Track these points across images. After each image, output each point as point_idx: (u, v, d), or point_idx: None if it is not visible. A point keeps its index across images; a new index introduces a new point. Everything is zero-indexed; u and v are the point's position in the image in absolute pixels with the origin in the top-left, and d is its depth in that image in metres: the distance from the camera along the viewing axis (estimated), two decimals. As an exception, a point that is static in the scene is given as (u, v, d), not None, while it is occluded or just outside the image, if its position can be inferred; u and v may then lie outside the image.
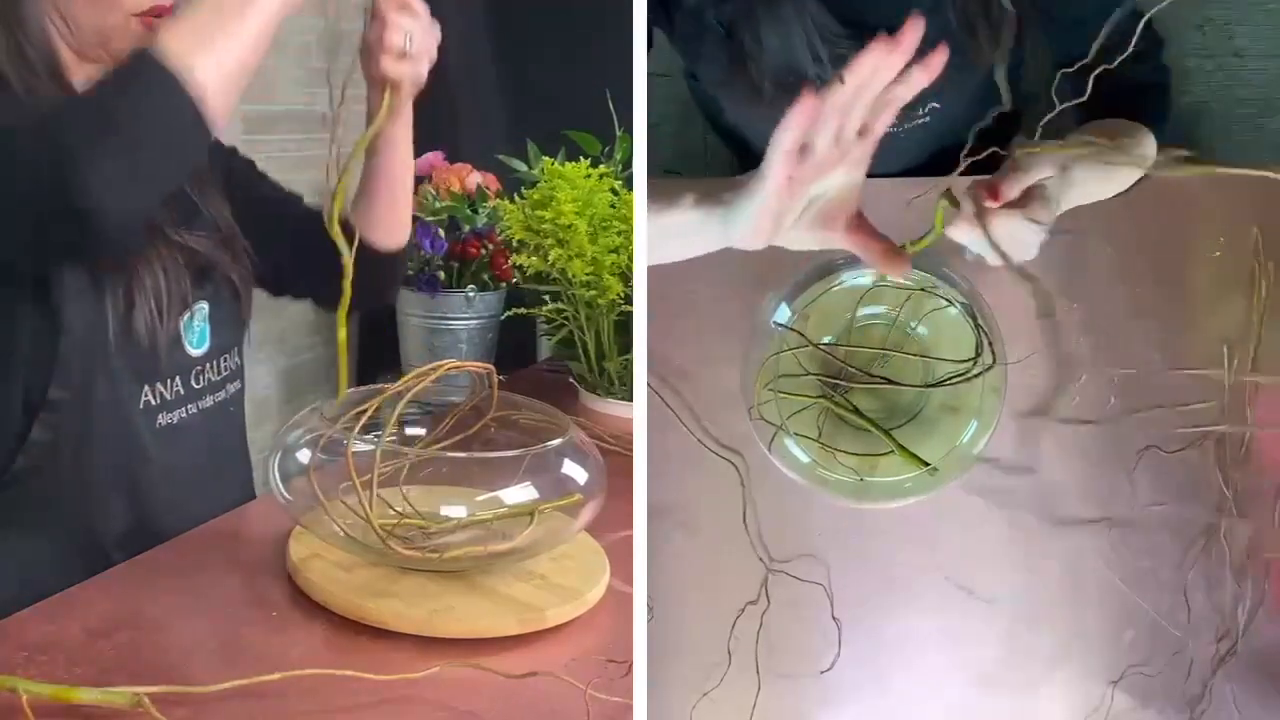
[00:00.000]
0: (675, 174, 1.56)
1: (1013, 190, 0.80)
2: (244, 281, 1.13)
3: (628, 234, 1.41)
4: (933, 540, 0.98)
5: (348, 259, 0.95)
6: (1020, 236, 0.82)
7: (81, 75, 1.00)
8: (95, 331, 0.97)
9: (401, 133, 1.14)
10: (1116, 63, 1.01)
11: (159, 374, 1.03)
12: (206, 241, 1.08)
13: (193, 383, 1.07)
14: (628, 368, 1.47)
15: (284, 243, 1.17)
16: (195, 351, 1.07)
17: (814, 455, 0.90)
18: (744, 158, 1.45)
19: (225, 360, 1.12)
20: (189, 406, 1.07)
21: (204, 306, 1.08)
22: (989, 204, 0.79)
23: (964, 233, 0.80)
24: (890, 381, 0.90)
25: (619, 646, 0.83)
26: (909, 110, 0.97)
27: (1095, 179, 0.90)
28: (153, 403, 1.03)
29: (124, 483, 1.02)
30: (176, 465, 1.05)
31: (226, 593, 0.94)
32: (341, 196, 0.95)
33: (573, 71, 2.02)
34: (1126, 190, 0.92)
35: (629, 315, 1.39)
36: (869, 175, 0.75)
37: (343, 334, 0.96)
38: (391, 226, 1.20)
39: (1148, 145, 0.93)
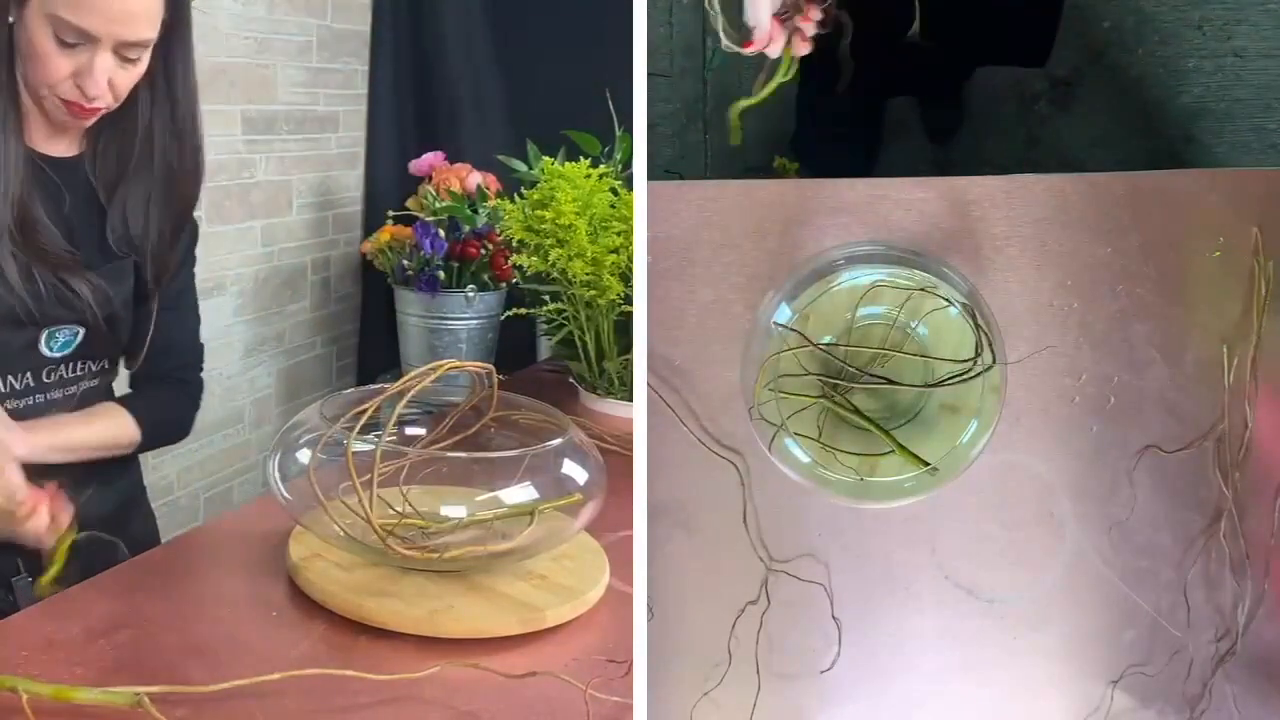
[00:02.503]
0: (675, 174, 1.56)
1: None
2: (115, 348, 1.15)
3: (628, 234, 1.41)
4: (933, 540, 0.98)
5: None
6: None
7: (44, 136, 1.06)
8: None
9: None
10: None
11: (6, 369, 1.05)
12: (87, 300, 1.07)
13: (44, 378, 1.08)
14: (628, 368, 1.47)
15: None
16: (53, 355, 1.08)
17: (814, 455, 0.90)
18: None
19: (89, 365, 1.12)
20: (36, 396, 1.08)
21: (80, 330, 1.08)
22: None
23: None
24: (890, 381, 0.90)
25: (619, 646, 0.83)
26: None
27: None
28: (1, 390, 1.05)
29: None
30: None
31: (226, 593, 0.94)
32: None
33: (573, 71, 2.02)
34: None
35: (629, 315, 1.39)
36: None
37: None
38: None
39: None
